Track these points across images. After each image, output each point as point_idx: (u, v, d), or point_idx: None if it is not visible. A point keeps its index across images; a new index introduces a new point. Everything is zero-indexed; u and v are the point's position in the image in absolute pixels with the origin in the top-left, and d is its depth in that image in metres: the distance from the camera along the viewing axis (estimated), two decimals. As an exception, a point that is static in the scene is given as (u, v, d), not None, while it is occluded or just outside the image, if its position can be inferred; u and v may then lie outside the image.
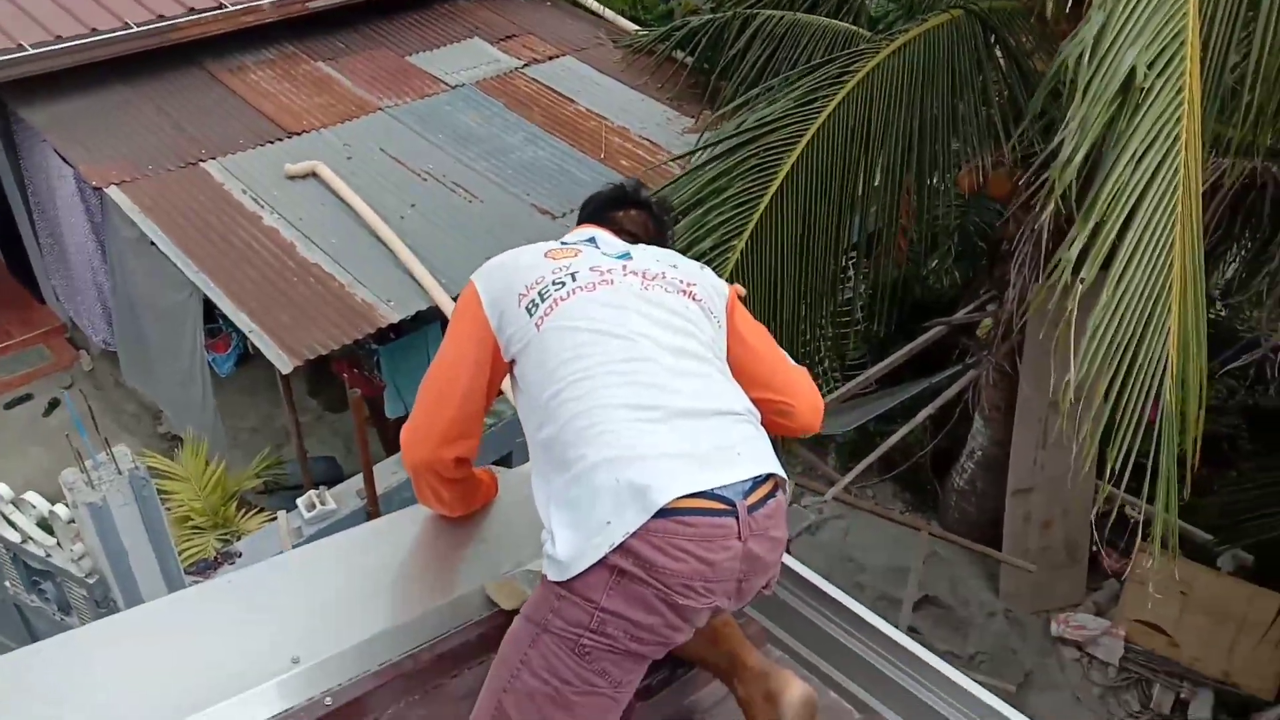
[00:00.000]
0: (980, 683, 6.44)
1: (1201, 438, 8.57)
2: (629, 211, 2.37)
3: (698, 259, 3.13)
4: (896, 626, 6.76)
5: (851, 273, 6.70)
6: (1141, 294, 3.81)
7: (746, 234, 5.05)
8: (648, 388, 1.85)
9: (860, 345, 9.14)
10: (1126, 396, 3.79)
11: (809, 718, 1.67)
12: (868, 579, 8.47)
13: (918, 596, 8.03)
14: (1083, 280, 3.71)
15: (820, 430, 2.34)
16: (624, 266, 2.10)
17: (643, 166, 8.34)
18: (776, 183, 5.21)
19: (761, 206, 5.15)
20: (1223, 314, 8.95)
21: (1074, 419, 3.95)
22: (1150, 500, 3.82)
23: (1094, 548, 8.66)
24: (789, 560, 2.32)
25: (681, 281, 2.12)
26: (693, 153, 6.56)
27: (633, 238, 2.30)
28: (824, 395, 2.86)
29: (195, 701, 1.83)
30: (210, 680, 1.90)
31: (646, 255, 2.18)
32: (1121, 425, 3.78)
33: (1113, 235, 3.73)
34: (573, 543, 1.72)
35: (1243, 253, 7.48)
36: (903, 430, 8.19)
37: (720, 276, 2.43)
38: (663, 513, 1.67)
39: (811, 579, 2.38)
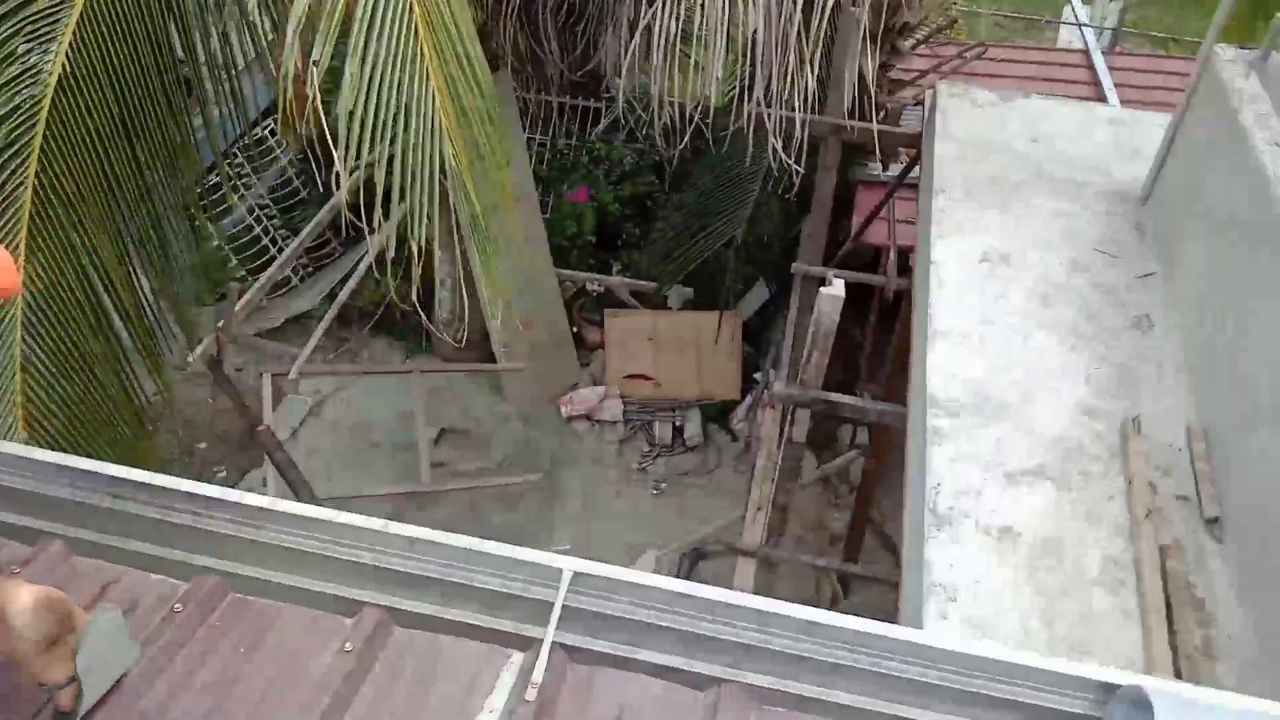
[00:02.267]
0: (507, 484, 6.57)
1: (628, 198, 9.55)
2: None
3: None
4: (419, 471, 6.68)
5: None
6: (389, 63, 3.31)
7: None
8: None
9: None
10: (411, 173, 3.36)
11: (51, 619, 1.41)
12: (382, 435, 8.39)
13: (434, 433, 8.13)
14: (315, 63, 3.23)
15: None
16: None
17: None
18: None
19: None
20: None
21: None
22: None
23: (574, 329, 9.36)
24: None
25: None
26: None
27: None
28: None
29: None
30: None
31: None
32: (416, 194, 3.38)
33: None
34: None
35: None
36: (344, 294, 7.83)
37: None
38: None
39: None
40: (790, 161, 4.60)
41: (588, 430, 8.98)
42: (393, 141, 3.17)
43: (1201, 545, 3.37)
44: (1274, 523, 3.18)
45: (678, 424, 8.97)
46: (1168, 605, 3.15)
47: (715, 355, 8.82)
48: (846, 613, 1.62)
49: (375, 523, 1.70)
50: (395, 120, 3.17)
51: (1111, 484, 3.56)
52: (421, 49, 3.17)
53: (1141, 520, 3.38)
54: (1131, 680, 1.52)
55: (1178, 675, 2.99)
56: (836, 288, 4.18)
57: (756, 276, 9.05)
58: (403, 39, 3.18)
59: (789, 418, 4.80)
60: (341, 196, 3.17)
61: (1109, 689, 1.56)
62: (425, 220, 3.18)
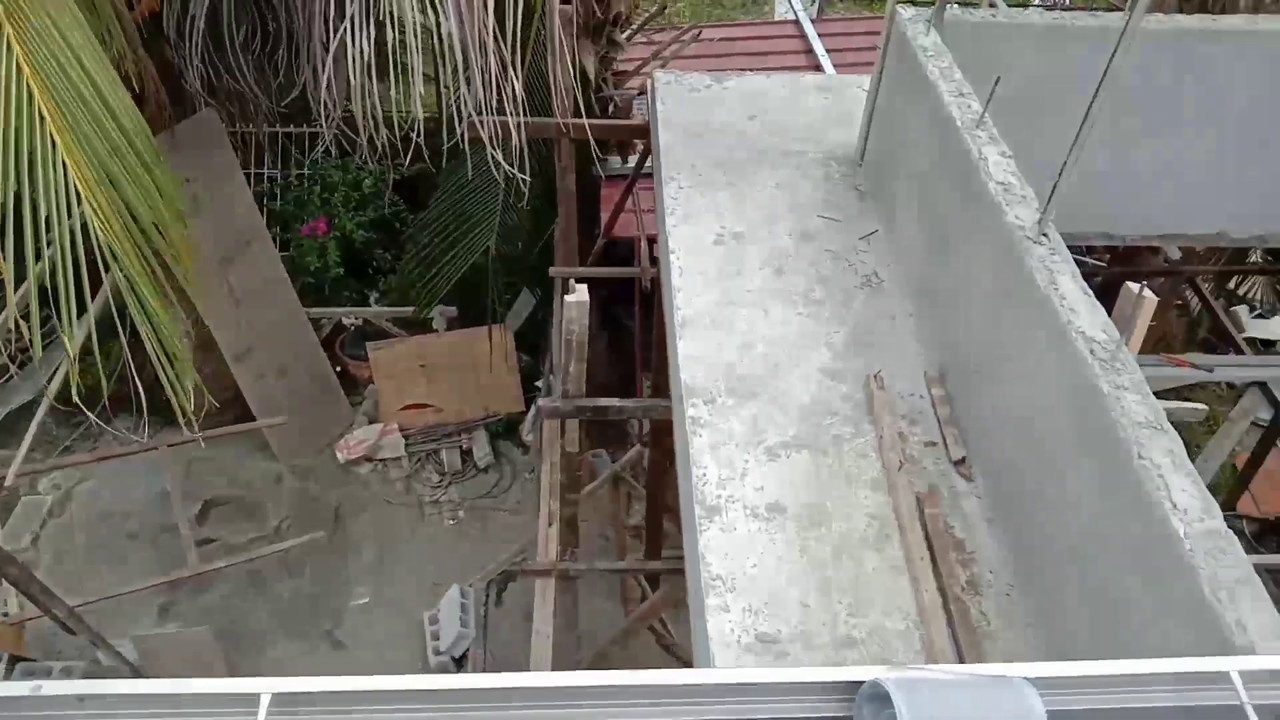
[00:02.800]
0: (290, 548, 6.08)
1: (373, 222, 9.12)
2: None
3: None
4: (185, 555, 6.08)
5: None
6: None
7: None
8: None
9: None
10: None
11: None
12: (138, 523, 7.65)
13: (198, 508, 7.48)
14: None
15: None
16: None
17: None
18: None
19: None
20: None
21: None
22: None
23: (338, 368, 8.88)
24: None
25: None
26: None
27: None
28: None
29: None
30: None
31: None
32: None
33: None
34: None
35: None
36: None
37: None
38: None
39: None
40: (512, 169, 4.45)
41: (371, 472, 8.55)
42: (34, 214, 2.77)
43: (954, 486, 3.51)
44: (1008, 454, 3.35)
45: (465, 448, 8.71)
46: (931, 551, 3.25)
47: (493, 372, 8.60)
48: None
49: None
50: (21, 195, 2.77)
51: (865, 442, 3.64)
52: (41, 112, 2.78)
53: (895, 472, 3.47)
54: (870, 675, 1.48)
55: (949, 617, 3.08)
56: (580, 294, 4.09)
57: (520, 284, 8.89)
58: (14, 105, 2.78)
59: (562, 430, 4.67)
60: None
61: (855, 687, 1.51)
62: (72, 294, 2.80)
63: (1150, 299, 3.25)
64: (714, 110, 5.51)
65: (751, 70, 8.33)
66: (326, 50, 4.55)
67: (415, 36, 4.13)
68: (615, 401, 4.45)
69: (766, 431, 3.65)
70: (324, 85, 4.59)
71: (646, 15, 7.27)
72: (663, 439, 5.72)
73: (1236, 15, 4.84)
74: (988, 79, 3.79)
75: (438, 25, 4.09)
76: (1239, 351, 7.47)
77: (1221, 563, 2.26)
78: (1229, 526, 7.25)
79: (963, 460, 3.56)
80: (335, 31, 4.51)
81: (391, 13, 4.16)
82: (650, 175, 6.60)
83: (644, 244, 6.68)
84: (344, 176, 8.90)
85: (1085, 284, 3.09)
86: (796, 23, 9.32)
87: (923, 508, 3.38)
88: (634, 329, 7.84)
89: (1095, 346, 2.83)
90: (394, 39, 4.12)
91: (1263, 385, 6.55)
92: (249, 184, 8.32)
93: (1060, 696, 1.55)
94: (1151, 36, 4.62)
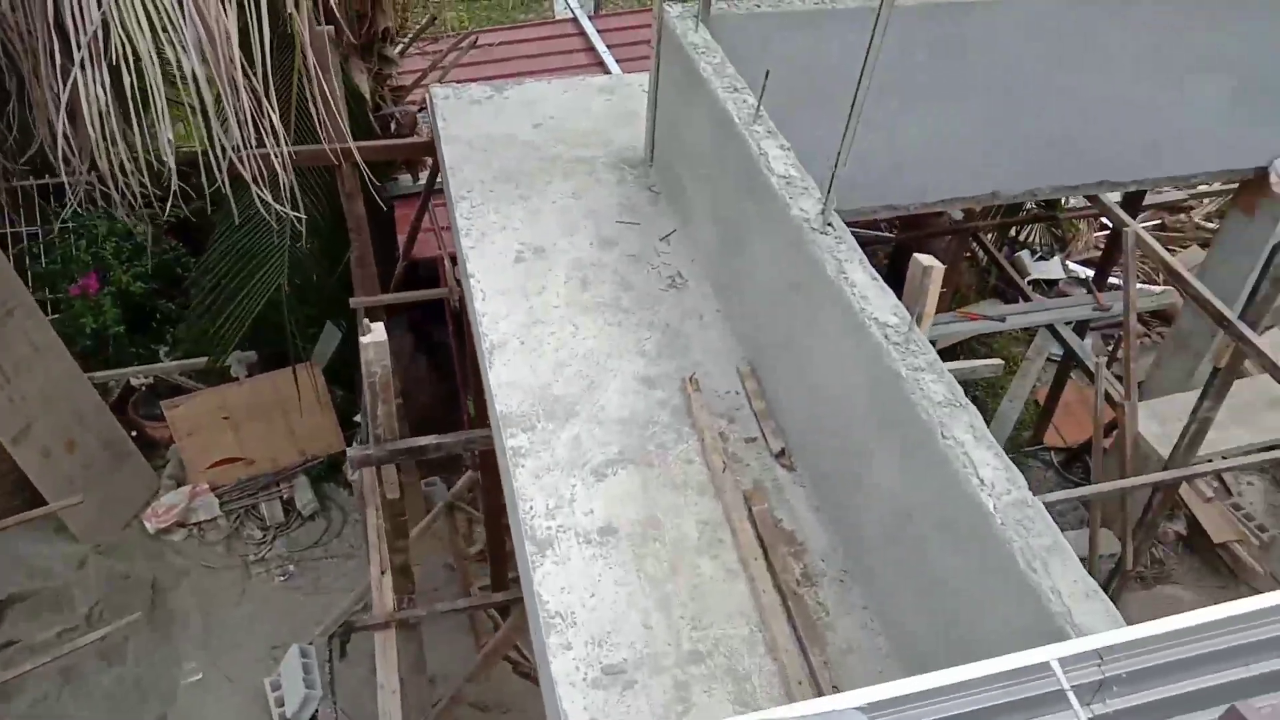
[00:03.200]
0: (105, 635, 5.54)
1: (151, 272, 8.45)
2: None
3: None
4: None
5: None
6: None
7: None
8: None
9: None
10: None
11: None
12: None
13: (-11, 609, 6.76)
14: None
15: None
16: None
17: None
18: None
19: None
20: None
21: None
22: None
23: (133, 432, 8.21)
24: None
25: None
26: None
27: None
28: None
29: None
30: None
31: None
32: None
33: None
34: None
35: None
36: None
37: None
38: None
39: None
40: (284, 207, 4.16)
41: (186, 538, 7.96)
42: None
43: (778, 479, 3.53)
44: (822, 441, 3.39)
45: (286, 497, 8.23)
46: (764, 548, 3.25)
47: (306, 413, 8.15)
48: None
49: None
50: None
51: (688, 447, 3.62)
52: None
53: (720, 474, 3.46)
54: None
55: (788, 613, 3.09)
56: (376, 334, 3.87)
57: (322, 317, 8.46)
58: None
59: (380, 476, 4.43)
60: None
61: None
62: None
63: (938, 268, 3.36)
64: (498, 121, 5.37)
65: (536, 73, 8.24)
66: (59, 98, 4.13)
67: (156, 78, 3.79)
68: (432, 439, 4.25)
69: (590, 451, 3.56)
70: (60, 136, 4.17)
71: (418, 27, 7.02)
72: (493, 462, 5.55)
73: (981, -13, 5.09)
74: (762, 69, 3.83)
75: (179, 64, 3.76)
76: (1025, 295, 7.99)
77: (1032, 532, 2.34)
78: (1039, 460, 7.76)
79: (783, 452, 3.58)
80: (67, 78, 4.09)
81: (125, 55, 3.79)
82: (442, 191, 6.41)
83: (447, 262, 6.46)
84: (111, 226, 8.20)
85: (873, 270, 3.16)
86: (575, 21, 9.27)
87: (750, 505, 3.38)
88: (450, 350, 7.61)
89: (889, 331, 2.88)
90: (131, 82, 3.76)
91: (1050, 326, 7.02)
92: (4, 246, 7.56)
93: (893, 716, 1.53)
94: (907, 13, 4.80)
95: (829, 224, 3.32)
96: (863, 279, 3.09)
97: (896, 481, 2.83)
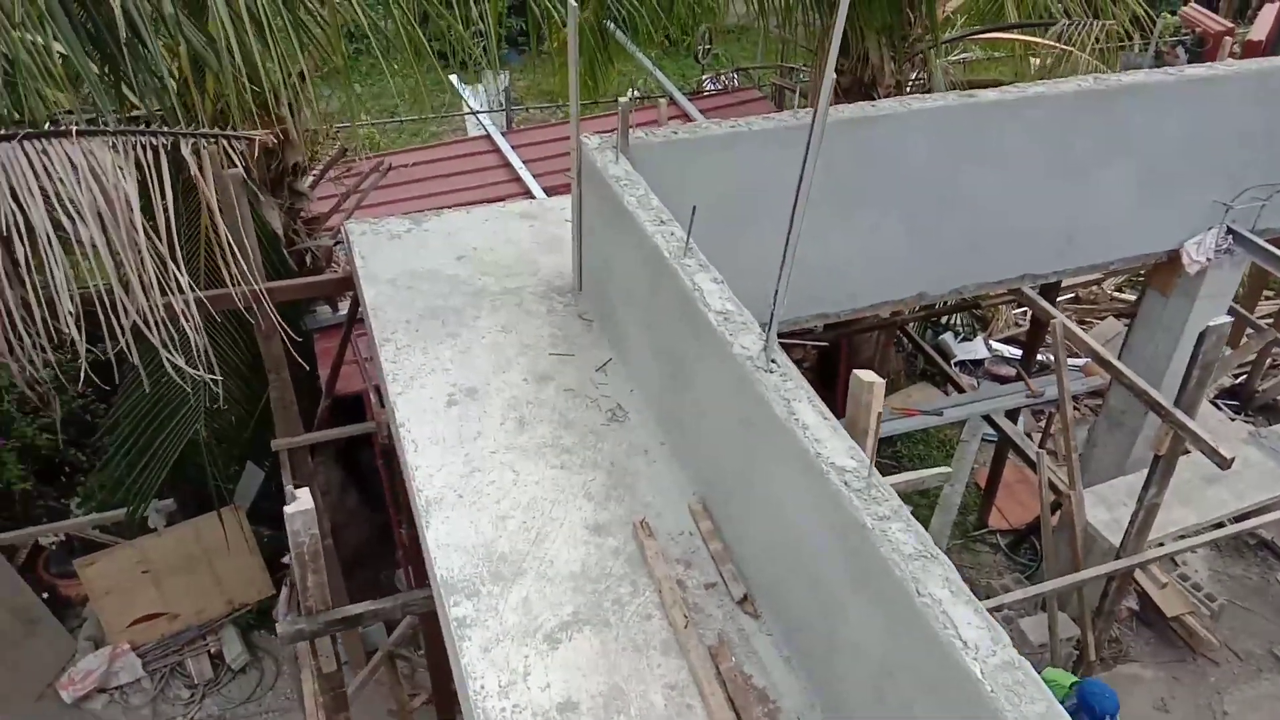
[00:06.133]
0: None
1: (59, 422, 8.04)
2: None
3: None
4: None
5: None
6: None
7: None
8: None
9: None
10: None
11: None
12: None
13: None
14: None
15: None
16: None
17: None
18: None
19: None
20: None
21: None
22: None
23: (44, 594, 7.67)
24: None
25: None
26: None
27: None
28: None
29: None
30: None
31: None
32: None
33: None
34: None
35: None
36: None
37: None
38: None
39: None
40: (186, 366, 3.92)
41: (108, 704, 7.40)
42: None
43: (743, 628, 3.36)
44: (787, 587, 3.23)
45: (215, 651, 7.73)
46: (735, 712, 3.05)
47: (230, 558, 7.72)
48: None
49: None
50: None
51: (645, 600, 3.43)
52: None
53: (683, 631, 3.27)
54: None
55: (769, 782, 2.89)
56: (301, 502, 3.62)
57: (243, 458, 8.09)
58: None
59: (314, 650, 4.12)
60: None
61: None
62: None
63: (879, 384, 3.29)
64: (419, 255, 5.23)
65: (454, 192, 8.16)
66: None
67: (51, 247, 3.57)
68: (368, 606, 3.98)
69: (541, 615, 3.34)
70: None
71: (329, 158, 6.89)
72: (436, 614, 5.25)
73: (889, 99, 5.18)
74: (685, 195, 3.77)
75: (76, 232, 3.55)
76: (954, 380, 8.03)
77: (1024, 698, 2.20)
78: (986, 544, 7.62)
79: (745, 598, 3.42)
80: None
81: (17, 224, 3.57)
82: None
83: (373, 395, 6.23)
84: (5, 377, 7.78)
85: (823, 407, 3.06)
86: (489, 138, 9.27)
87: (718, 663, 3.19)
88: (379, 488, 7.31)
89: (848, 478, 2.77)
90: (25, 253, 3.53)
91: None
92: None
93: None
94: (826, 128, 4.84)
95: (773, 360, 3.22)
96: (814, 420, 2.99)
97: (875, 639, 2.68)
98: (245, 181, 5.09)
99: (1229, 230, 6.24)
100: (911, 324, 9.07)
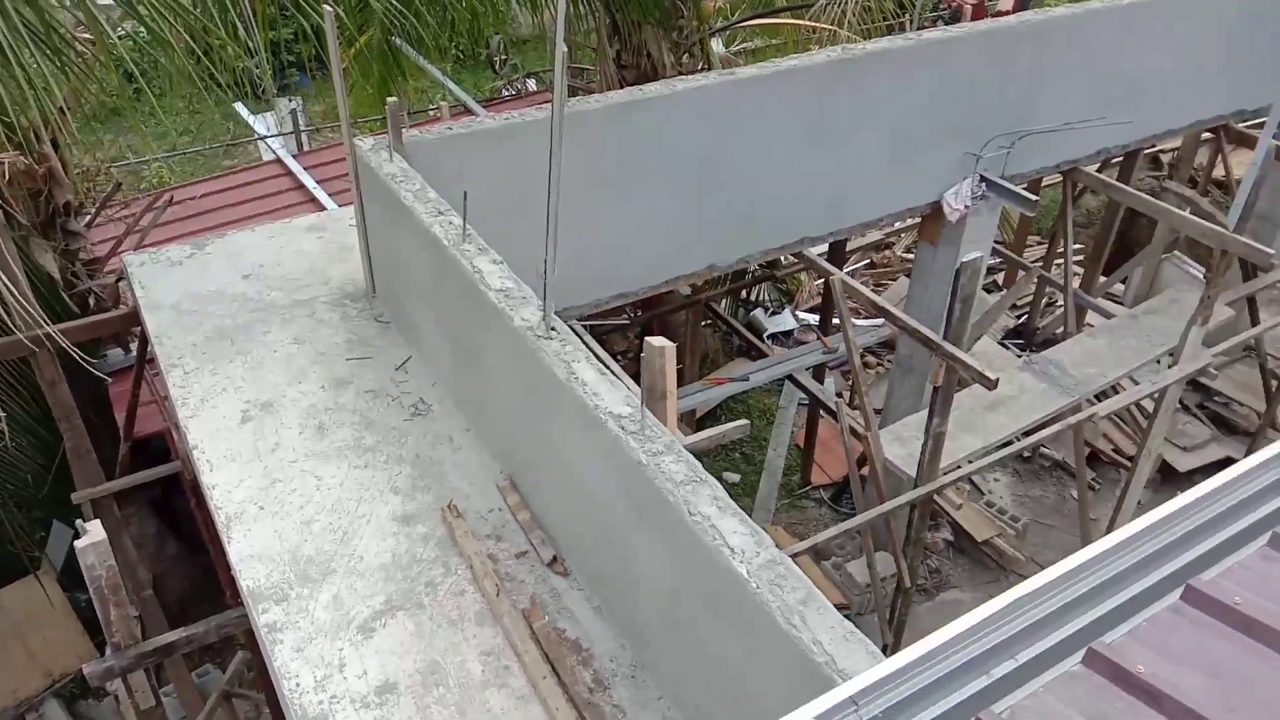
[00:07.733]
0: None
1: None
2: None
3: None
4: None
5: None
6: None
7: None
8: None
9: None
10: None
11: None
12: None
13: None
14: None
15: None
16: None
17: None
18: None
19: None
20: None
21: None
22: None
23: None
24: None
25: None
26: None
27: None
28: None
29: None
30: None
31: None
32: None
33: None
34: None
35: None
36: None
37: None
38: None
39: None
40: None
41: (-83, 808, 6.80)
42: None
43: (554, 588, 3.48)
44: (588, 540, 3.38)
45: (36, 729, 7.24)
46: (552, 665, 3.17)
47: (44, 627, 7.26)
48: None
49: None
50: None
51: (459, 578, 3.50)
52: None
53: (496, 599, 3.37)
54: None
55: (589, 725, 3.02)
56: (92, 534, 3.50)
57: (49, 516, 7.62)
58: None
59: (128, 687, 3.98)
60: None
61: None
62: None
63: (670, 347, 3.47)
64: (203, 279, 5.11)
65: (247, 220, 7.94)
66: None
67: None
68: (180, 633, 3.87)
69: (353, 608, 3.36)
70: None
71: (103, 196, 6.60)
72: (262, 638, 5.13)
73: (658, 82, 5.43)
74: (463, 188, 3.86)
75: None
76: (763, 352, 8.41)
77: (786, 588, 2.41)
78: (811, 499, 7.99)
79: (555, 559, 3.54)
80: None
81: None
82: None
83: (175, 434, 6.01)
84: None
85: (601, 365, 3.22)
86: (279, 162, 9.07)
87: (531, 622, 3.30)
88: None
89: (624, 422, 2.93)
90: None
91: (790, 376, 7.43)
92: None
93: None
94: (592, 114, 5.04)
95: (552, 328, 3.36)
96: (592, 377, 3.14)
97: (661, 566, 2.86)
98: (11, 226, 4.86)
99: (982, 178, 6.83)
100: (722, 302, 9.43)
